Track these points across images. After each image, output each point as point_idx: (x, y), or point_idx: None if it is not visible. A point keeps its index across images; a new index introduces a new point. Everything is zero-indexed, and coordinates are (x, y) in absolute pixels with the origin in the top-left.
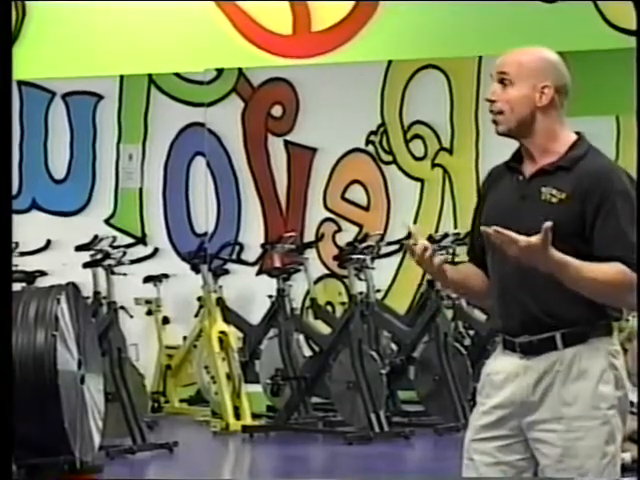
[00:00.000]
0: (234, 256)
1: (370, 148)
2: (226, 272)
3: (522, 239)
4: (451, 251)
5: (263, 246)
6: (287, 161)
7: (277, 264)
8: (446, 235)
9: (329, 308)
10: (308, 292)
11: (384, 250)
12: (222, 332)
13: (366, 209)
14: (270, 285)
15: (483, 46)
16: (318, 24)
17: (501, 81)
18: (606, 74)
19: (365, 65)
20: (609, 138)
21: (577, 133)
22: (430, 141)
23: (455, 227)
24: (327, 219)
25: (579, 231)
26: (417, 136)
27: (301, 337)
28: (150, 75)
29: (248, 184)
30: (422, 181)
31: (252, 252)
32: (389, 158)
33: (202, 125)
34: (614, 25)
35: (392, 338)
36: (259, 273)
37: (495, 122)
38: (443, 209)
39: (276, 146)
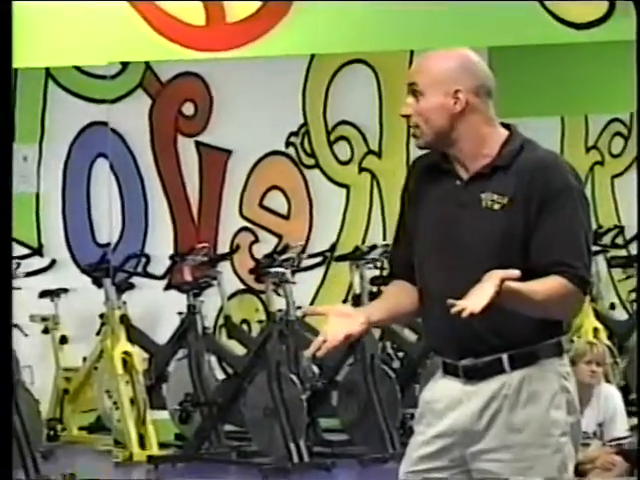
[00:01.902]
0: (140, 269)
1: (291, 151)
2: (131, 286)
3: (476, 305)
4: (379, 265)
5: (172, 258)
6: (199, 164)
7: (187, 278)
8: (374, 247)
9: (245, 327)
10: (222, 309)
11: (306, 263)
12: (126, 353)
13: (286, 218)
14: (180, 301)
15: (415, 40)
16: (233, 15)
17: (412, 93)
18: (550, 71)
19: (285, 59)
20: (552, 141)
21: (507, 127)
22: (357, 143)
23: (384, 238)
24: (243, 228)
25: (528, 239)
26: (342, 138)
27: (213, 358)
28: (47, 69)
29: (156, 190)
30: (348, 187)
31: (160, 264)
32: (311, 162)
33: (105, 124)
34: (560, 18)
35: (313, 360)
36: (168, 288)
37: (413, 135)
38: (371, 218)
39: (187, 148)
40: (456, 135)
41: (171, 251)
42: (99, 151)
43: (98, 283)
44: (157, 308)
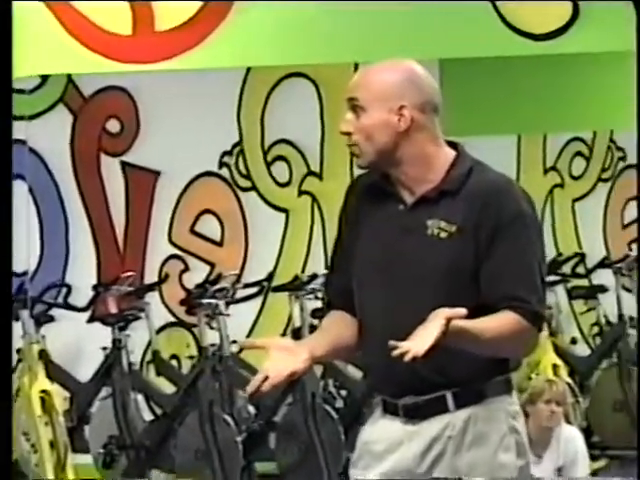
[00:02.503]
0: (60, 300)
1: (224, 171)
2: (51, 319)
3: (419, 347)
4: (321, 296)
5: (95, 288)
6: (125, 186)
7: (112, 310)
8: (315, 276)
9: (174, 363)
10: (149, 343)
11: (241, 293)
12: (45, 391)
13: (219, 244)
14: (104, 335)
15: (360, 51)
16: (163, 23)
17: (353, 108)
18: (505, 85)
19: (219, 72)
20: (508, 161)
21: (454, 147)
22: (296, 163)
23: (326, 267)
24: (173, 256)
25: (478, 271)
26: (281, 158)
27: (140, 397)
28: None
29: (78, 214)
30: (287, 211)
31: (82, 295)
32: (247, 184)
33: (22, 142)
34: (516, 28)
35: (250, 399)
36: (91, 320)
37: (353, 154)
38: (312, 245)
39: (111, 168)
40: (400, 155)
41: (94, 281)
42: (16, 172)
43: (15, 315)
44: (79, 343)
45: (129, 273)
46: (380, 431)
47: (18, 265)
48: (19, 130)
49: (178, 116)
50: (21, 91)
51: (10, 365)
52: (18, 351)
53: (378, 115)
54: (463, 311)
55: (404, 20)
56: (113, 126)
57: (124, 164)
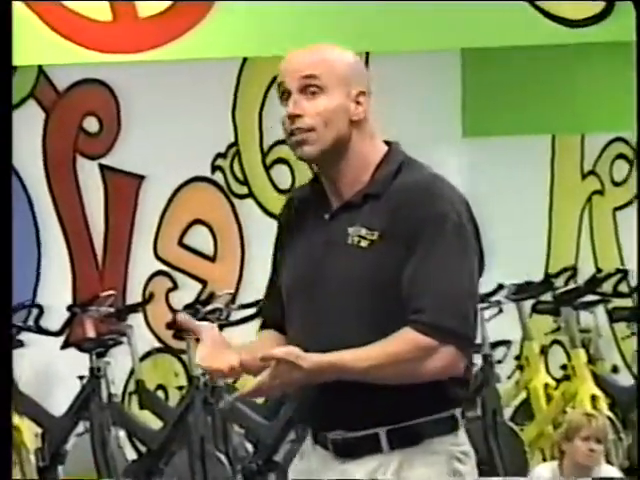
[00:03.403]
0: (31, 322)
1: (218, 176)
2: (19, 344)
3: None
4: None
5: (71, 309)
6: (104, 193)
7: (90, 334)
8: None
9: (161, 394)
10: (132, 372)
11: (236, 315)
12: (14, 427)
13: (212, 259)
14: (80, 362)
15: (376, 40)
16: (147, 8)
17: (305, 88)
18: (538, 80)
19: (211, 63)
20: (541, 164)
21: (387, 143)
22: (298, 167)
23: None
24: (159, 272)
25: (398, 279)
26: (281, 160)
27: (122, 433)
28: None
29: (50, 224)
30: None
31: (55, 317)
32: (243, 190)
33: None
34: (549, 13)
35: (246, 435)
36: (65, 346)
37: (300, 143)
38: None
39: (89, 172)
40: (348, 149)
41: (69, 300)
42: None
43: None
44: (52, 371)
45: (109, 292)
46: (309, 464)
47: None
48: None
49: (165, 113)
50: None
51: (10, 364)
52: None
53: (338, 98)
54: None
55: (424, 6)
56: (91, 124)
57: (103, 167)
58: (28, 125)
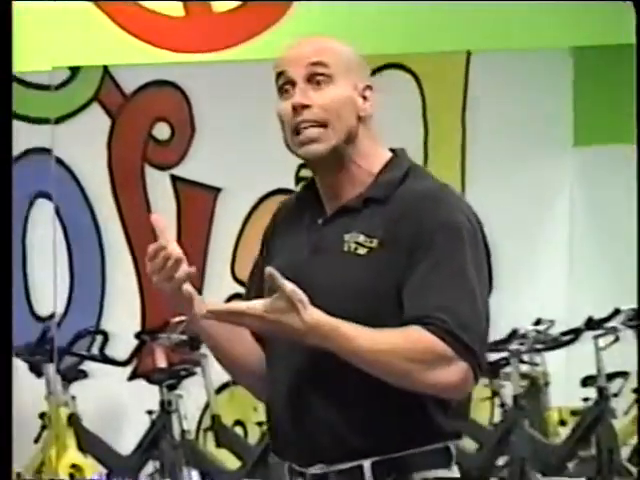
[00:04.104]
0: (95, 351)
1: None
2: (83, 375)
3: (250, 306)
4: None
5: (139, 336)
6: (176, 207)
7: (160, 364)
8: None
9: (239, 430)
10: (207, 406)
11: None
12: (75, 466)
13: None
14: (150, 395)
15: (473, 39)
16: (222, 3)
17: (312, 77)
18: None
19: None
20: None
21: (392, 150)
22: None
23: None
24: (237, 295)
25: (396, 288)
26: None
27: (195, 474)
28: None
29: (116, 241)
30: None
31: (122, 345)
32: None
33: (47, 151)
34: None
35: None
36: (133, 377)
37: (309, 140)
38: None
39: (159, 184)
40: (354, 147)
41: (137, 327)
42: (39, 189)
43: (37, 370)
44: (118, 405)
45: (181, 317)
46: None
47: (42, 307)
48: (43, 136)
49: (243, 119)
50: (44, 87)
51: (10, 364)
52: (42, 415)
53: (347, 90)
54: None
55: (529, 5)
56: (161, 131)
57: (175, 179)
58: (91, 132)
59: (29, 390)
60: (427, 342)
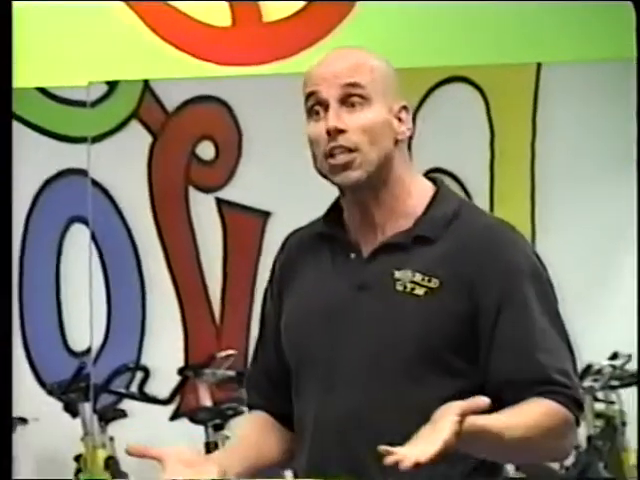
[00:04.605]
0: (134, 388)
1: None
2: (121, 414)
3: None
4: None
5: (182, 372)
6: (222, 233)
7: (206, 402)
8: None
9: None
10: None
11: None
12: None
13: None
14: (194, 436)
15: (546, 49)
16: (273, 11)
17: (346, 98)
18: None
19: None
20: None
21: (432, 179)
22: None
23: None
24: None
25: (465, 340)
26: None
27: None
28: None
29: (157, 269)
30: None
31: (164, 382)
32: None
33: (83, 173)
34: None
35: None
36: (175, 416)
37: (344, 166)
38: None
39: (203, 208)
40: (390, 174)
41: (180, 362)
42: (74, 213)
43: (72, 410)
44: (160, 446)
45: (228, 352)
46: None
47: (77, 341)
48: (78, 156)
49: (294, 137)
50: (80, 104)
51: (10, 363)
52: (77, 458)
53: (383, 112)
54: (484, 401)
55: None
56: (205, 151)
57: (220, 202)
58: (130, 151)
59: (63, 431)
60: (560, 414)
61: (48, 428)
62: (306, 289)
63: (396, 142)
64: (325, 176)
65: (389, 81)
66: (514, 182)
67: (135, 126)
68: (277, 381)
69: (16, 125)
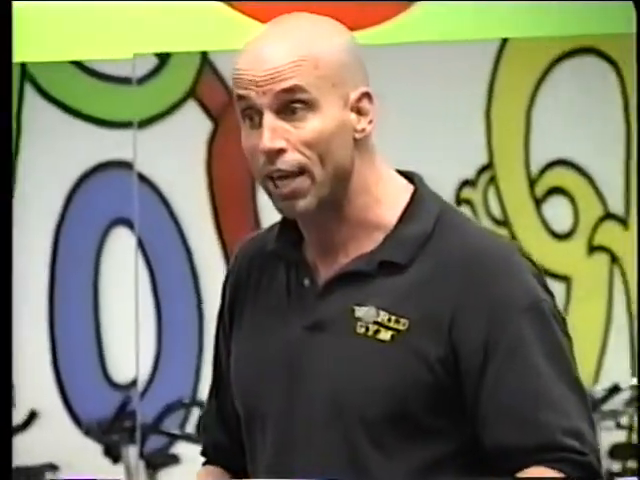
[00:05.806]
0: (189, 429)
1: (464, 211)
2: (173, 460)
3: None
4: None
5: None
6: None
7: None
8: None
9: None
10: None
11: None
12: None
13: None
14: None
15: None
16: None
17: (286, 105)
18: None
19: (452, 46)
20: None
21: (406, 176)
22: (585, 199)
23: None
24: None
25: (443, 395)
26: (558, 190)
27: None
28: (23, 65)
29: (218, 284)
30: (567, 279)
31: None
32: (503, 233)
33: (128, 165)
34: None
35: None
36: None
37: (287, 196)
38: (609, 330)
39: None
40: (350, 185)
41: None
42: (117, 214)
43: (114, 454)
44: None
45: None
46: None
47: (120, 371)
48: (121, 145)
49: (377, 119)
50: (125, 80)
51: (10, 362)
52: None
53: (334, 111)
54: None
55: None
56: None
57: None
58: (186, 139)
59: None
60: None
61: (84, 476)
62: (256, 324)
63: (356, 141)
64: (270, 200)
65: (344, 69)
66: None
67: (191, 108)
68: (233, 430)
69: (55, 110)
